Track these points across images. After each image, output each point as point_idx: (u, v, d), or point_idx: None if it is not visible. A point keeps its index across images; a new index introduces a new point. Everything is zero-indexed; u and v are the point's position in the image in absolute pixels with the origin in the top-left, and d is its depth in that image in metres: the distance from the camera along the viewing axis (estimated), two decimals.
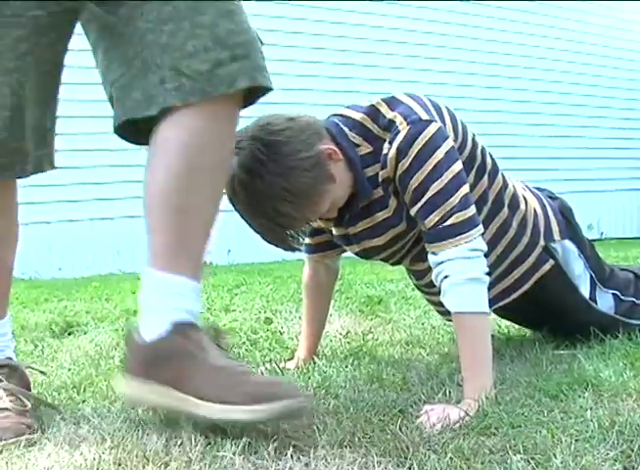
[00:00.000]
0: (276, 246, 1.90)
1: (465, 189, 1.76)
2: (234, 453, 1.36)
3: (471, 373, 1.65)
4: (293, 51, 7.01)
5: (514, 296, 2.02)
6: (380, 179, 1.80)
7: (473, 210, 1.76)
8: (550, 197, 2.18)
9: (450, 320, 2.17)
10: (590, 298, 2.11)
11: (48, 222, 5.87)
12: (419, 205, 1.75)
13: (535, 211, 2.05)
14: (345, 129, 1.82)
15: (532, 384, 1.70)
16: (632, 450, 1.30)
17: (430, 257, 1.77)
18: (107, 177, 6.07)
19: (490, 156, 1.97)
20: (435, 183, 1.73)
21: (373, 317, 2.79)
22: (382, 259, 2.02)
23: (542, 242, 2.03)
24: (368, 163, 1.81)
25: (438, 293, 2.03)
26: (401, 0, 7.68)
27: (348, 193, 1.83)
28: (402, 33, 7.69)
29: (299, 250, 1.90)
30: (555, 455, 1.30)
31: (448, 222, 1.72)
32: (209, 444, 1.41)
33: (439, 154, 1.74)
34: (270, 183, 1.66)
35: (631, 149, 9.63)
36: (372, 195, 1.83)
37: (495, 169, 1.96)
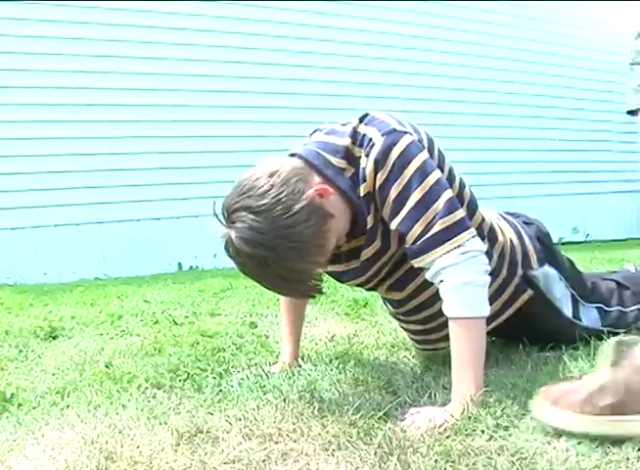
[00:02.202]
0: (300, 297, 1.94)
1: (448, 193, 1.73)
2: (218, 463, 1.36)
3: (459, 377, 1.63)
4: (279, 54, 7.01)
5: (493, 324, 1.98)
6: (362, 194, 1.77)
7: (460, 213, 1.72)
8: (525, 222, 2.15)
9: (424, 350, 2.14)
10: (574, 316, 2.10)
11: (33, 227, 5.84)
12: (400, 216, 1.73)
13: (512, 241, 2.02)
14: (329, 156, 1.78)
15: (518, 386, 1.70)
16: (619, 452, 1.31)
17: (426, 273, 1.74)
18: (93, 182, 6.05)
19: (469, 188, 1.93)
20: (416, 192, 1.71)
21: (358, 320, 2.79)
22: (358, 285, 1.99)
23: (520, 272, 2.01)
24: (357, 183, 1.78)
25: (416, 322, 2.03)
26: (392, 0, 7.68)
27: (349, 219, 1.80)
28: (390, 37, 7.69)
29: (322, 293, 1.83)
30: (541, 457, 1.31)
31: (433, 230, 1.69)
32: (195, 451, 1.41)
33: (417, 162, 1.73)
34: (274, 247, 1.60)
35: (616, 152, 9.68)
36: (367, 216, 1.79)
37: (474, 202, 1.92)
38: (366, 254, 1.84)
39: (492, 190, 8.09)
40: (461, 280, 1.66)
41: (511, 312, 2.01)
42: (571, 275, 2.14)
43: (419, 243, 1.71)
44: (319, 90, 7.24)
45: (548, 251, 2.11)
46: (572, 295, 2.11)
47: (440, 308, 1.91)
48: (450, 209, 1.71)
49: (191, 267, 6.37)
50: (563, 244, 8.31)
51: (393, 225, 1.75)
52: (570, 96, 9.28)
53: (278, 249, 1.61)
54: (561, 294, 2.09)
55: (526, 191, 8.52)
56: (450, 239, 1.69)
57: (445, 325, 1.94)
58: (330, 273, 1.99)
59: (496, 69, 8.57)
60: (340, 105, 7.22)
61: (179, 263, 6.43)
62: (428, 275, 1.73)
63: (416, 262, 1.74)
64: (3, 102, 5.75)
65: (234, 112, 6.72)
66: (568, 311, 2.09)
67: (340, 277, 1.98)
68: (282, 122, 6.90)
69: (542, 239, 2.12)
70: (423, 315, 1.98)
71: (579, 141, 9.26)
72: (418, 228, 1.71)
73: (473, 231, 1.73)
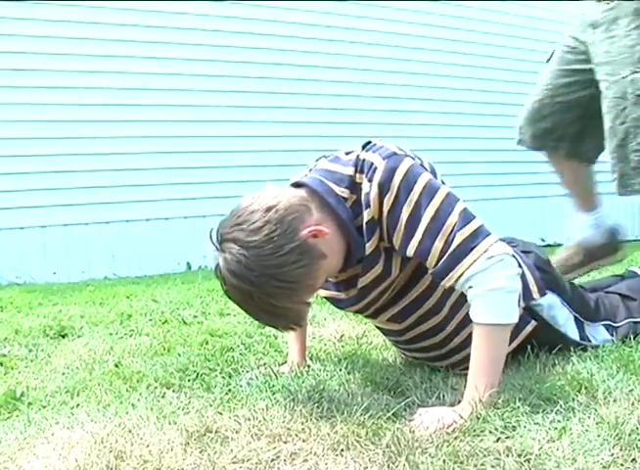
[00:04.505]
0: (281, 330, 1.85)
1: (461, 205, 1.71)
2: (227, 462, 1.36)
3: (473, 380, 1.63)
4: (287, 55, 7.02)
5: None
6: (365, 221, 1.74)
7: (478, 222, 1.69)
8: (523, 251, 2.10)
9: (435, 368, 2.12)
10: (581, 338, 2.08)
11: (43, 226, 5.86)
12: (417, 237, 1.69)
13: None
14: (332, 185, 1.76)
15: (526, 387, 1.70)
16: (627, 453, 1.31)
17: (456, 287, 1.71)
18: (101, 182, 6.07)
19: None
20: (427, 209, 1.68)
21: (367, 321, 2.79)
22: (356, 312, 1.97)
23: (522, 303, 1.92)
24: (357, 212, 1.75)
25: (417, 350, 2.01)
26: (400, 0, 7.67)
27: (343, 257, 1.77)
28: (397, 37, 7.69)
29: (301, 326, 1.81)
30: (549, 458, 1.31)
31: (454, 244, 1.66)
32: (204, 451, 1.42)
33: (422, 181, 1.70)
34: (260, 285, 1.58)
35: None
36: (363, 247, 1.76)
37: None
38: (363, 281, 1.82)
39: (498, 191, 8.10)
40: (489, 286, 1.64)
41: (515, 345, 1.96)
42: (573, 298, 2.11)
43: (443, 260, 1.67)
44: (327, 90, 7.25)
45: (548, 277, 2.07)
46: (576, 318, 2.09)
47: (446, 336, 1.92)
48: (466, 219, 1.69)
49: (200, 267, 6.38)
50: None
51: (410, 251, 1.71)
52: None
53: (264, 286, 1.59)
54: (565, 319, 2.06)
55: (531, 192, 8.51)
56: (474, 248, 1.66)
57: (455, 351, 1.94)
58: (328, 299, 1.98)
59: (503, 69, 8.56)
60: (346, 105, 7.23)
61: (188, 263, 6.44)
62: (457, 286, 1.70)
63: (445, 282, 1.70)
64: (5, 101, 5.78)
65: (242, 112, 6.73)
66: (574, 335, 2.07)
67: (338, 304, 1.97)
68: (287, 122, 6.92)
69: (541, 266, 2.07)
70: (424, 344, 1.97)
71: None
72: (438, 244, 1.67)
73: (494, 236, 1.70)
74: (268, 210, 1.62)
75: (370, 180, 1.72)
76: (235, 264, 1.58)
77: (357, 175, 1.75)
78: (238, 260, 1.58)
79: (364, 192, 1.73)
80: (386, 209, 1.71)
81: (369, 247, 1.76)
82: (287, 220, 1.62)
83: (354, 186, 1.76)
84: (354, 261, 1.79)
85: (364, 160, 1.75)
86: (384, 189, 1.70)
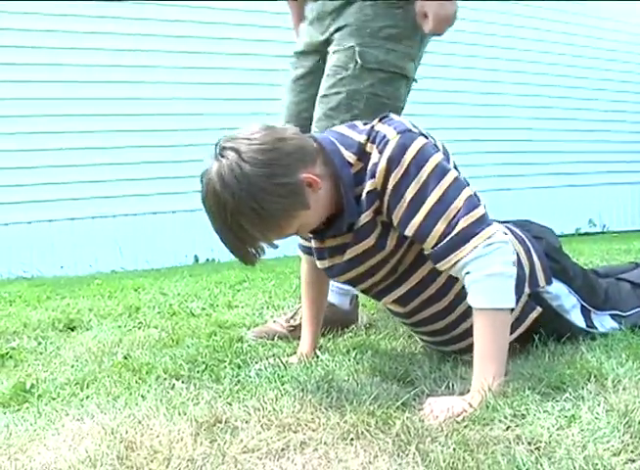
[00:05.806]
0: (232, 254, 1.76)
1: (468, 191, 1.71)
2: (237, 452, 1.37)
3: (480, 367, 1.63)
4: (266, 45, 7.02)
5: None
6: (366, 191, 1.74)
7: (482, 210, 1.70)
8: (535, 237, 2.08)
9: (442, 352, 2.10)
10: (588, 325, 2.07)
11: (50, 220, 5.88)
12: (418, 217, 1.69)
13: (519, 258, 1.93)
14: (341, 148, 1.76)
15: (535, 376, 1.70)
16: (637, 441, 1.30)
17: (450, 270, 1.71)
18: (108, 175, 6.08)
19: (483, 202, 1.85)
20: (434, 191, 1.68)
21: (375, 311, 2.79)
22: (345, 282, 1.96)
23: (527, 290, 1.94)
24: (360, 180, 1.75)
25: (424, 333, 2.02)
26: None
27: (321, 219, 1.78)
28: None
29: (253, 264, 1.76)
30: (559, 446, 1.31)
31: (457, 229, 1.66)
32: (214, 441, 1.42)
33: (433, 162, 1.70)
34: (240, 201, 1.59)
35: (633, 142, 9.62)
36: (358, 216, 1.76)
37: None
38: (352, 252, 1.82)
39: (508, 181, 8.09)
40: (486, 272, 1.64)
41: (521, 331, 1.95)
42: (583, 286, 2.09)
43: (443, 243, 1.68)
44: None
45: (558, 266, 2.05)
46: (583, 306, 2.07)
47: (450, 322, 1.91)
48: (471, 206, 1.69)
49: (207, 260, 6.39)
50: (580, 234, 8.30)
51: (410, 229, 1.71)
52: (586, 87, 9.23)
53: (241, 202, 1.59)
54: (571, 307, 2.05)
55: (544, 182, 8.50)
56: (475, 235, 1.66)
57: (460, 338, 1.94)
58: (326, 267, 1.97)
59: (512, 59, 8.54)
60: None
61: (196, 256, 6.45)
62: (453, 271, 1.71)
63: (442, 265, 1.71)
64: (11, 96, 5.79)
65: (245, 105, 6.73)
66: (581, 323, 2.06)
67: (327, 273, 1.98)
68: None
69: (551, 254, 2.05)
70: (430, 329, 1.98)
71: (594, 131, 9.22)
72: (440, 226, 1.67)
73: (497, 225, 1.70)
74: (280, 140, 1.65)
75: (380, 152, 1.72)
76: (227, 170, 1.60)
77: (368, 144, 1.76)
78: (231, 168, 1.60)
79: (372, 162, 1.73)
80: (391, 183, 1.71)
81: (364, 217, 1.76)
82: (292, 157, 1.65)
83: (363, 154, 1.76)
84: (344, 227, 1.79)
85: (378, 131, 1.76)
86: (393, 163, 1.70)
